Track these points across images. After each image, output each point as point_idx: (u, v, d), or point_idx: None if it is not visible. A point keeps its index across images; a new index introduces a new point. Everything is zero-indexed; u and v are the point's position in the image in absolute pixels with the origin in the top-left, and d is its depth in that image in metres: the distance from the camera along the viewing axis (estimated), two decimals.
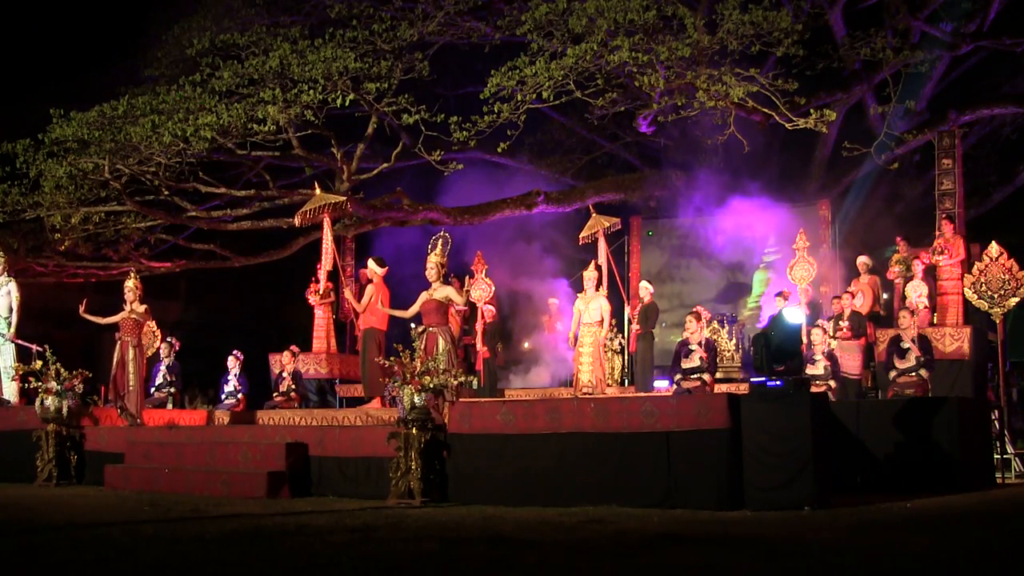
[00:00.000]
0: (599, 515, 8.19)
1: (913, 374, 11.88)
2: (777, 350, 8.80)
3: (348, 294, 13.48)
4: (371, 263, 12.81)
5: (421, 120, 14.23)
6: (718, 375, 13.28)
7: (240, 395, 14.87)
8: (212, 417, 13.91)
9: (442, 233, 11.46)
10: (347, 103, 14.28)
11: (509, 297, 18.69)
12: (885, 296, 15.59)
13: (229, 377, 15.08)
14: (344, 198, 13.75)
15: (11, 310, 14.06)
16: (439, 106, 14.51)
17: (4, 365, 13.94)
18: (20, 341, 14.02)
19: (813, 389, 9.55)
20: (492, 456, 9.68)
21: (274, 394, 14.91)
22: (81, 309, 13.31)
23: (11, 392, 13.99)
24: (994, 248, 12.75)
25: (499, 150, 14.73)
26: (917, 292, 13.96)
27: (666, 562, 6.00)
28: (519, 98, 13.64)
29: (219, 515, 8.60)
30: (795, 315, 9.38)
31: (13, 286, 14.16)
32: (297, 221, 13.47)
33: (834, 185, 17.28)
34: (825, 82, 15.89)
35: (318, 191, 13.44)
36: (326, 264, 13.49)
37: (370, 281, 12.82)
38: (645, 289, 14.48)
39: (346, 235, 17.85)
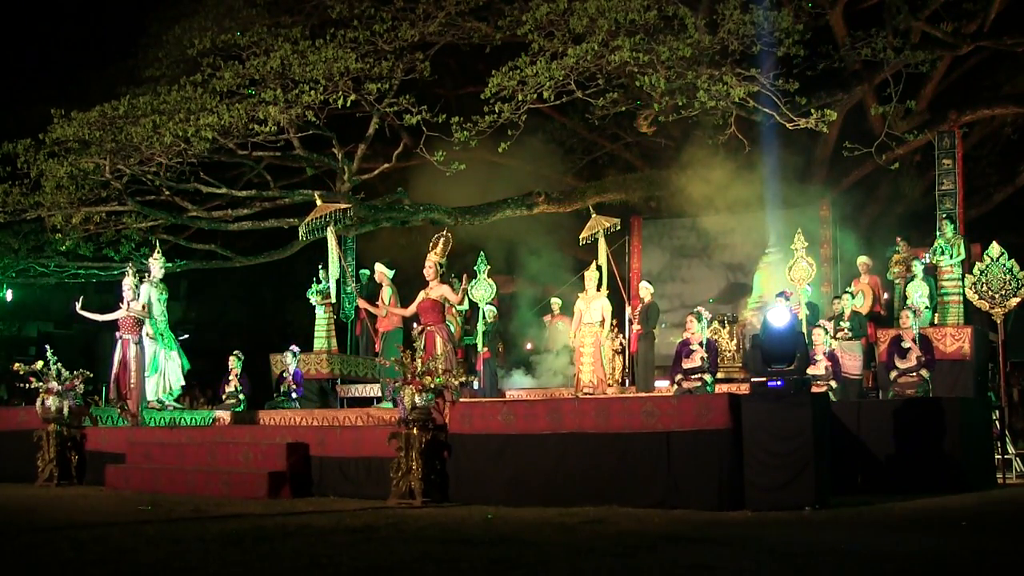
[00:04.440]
0: (599, 515, 8.20)
1: (914, 374, 11.88)
2: (768, 353, 8.79)
3: (363, 303, 13.07)
4: (380, 267, 12.79)
5: (422, 120, 14.22)
6: (719, 375, 13.28)
7: (241, 395, 14.88)
8: (213, 417, 13.92)
9: (443, 232, 11.40)
10: (348, 104, 14.27)
11: (511, 297, 18.67)
12: (886, 296, 15.59)
13: (230, 377, 15.08)
14: (348, 205, 13.53)
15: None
16: (440, 106, 14.48)
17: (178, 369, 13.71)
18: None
19: (814, 389, 9.55)
20: (493, 456, 9.69)
21: (275, 394, 14.91)
22: (77, 306, 13.28)
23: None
24: (995, 248, 12.75)
25: (500, 150, 14.72)
26: (918, 292, 13.96)
27: (666, 562, 6.00)
28: (520, 98, 13.62)
29: (220, 515, 8.62)
30: (779, 316, 9.29)
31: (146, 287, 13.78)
32: (301, 233, 13.21)
33: (835, 185, 17.29)
34: (826, 82, 15.87)
35: (319, 201, 13.13)
36: (334, 273, 13.19)
37: (380, 285, 12.82)
38: (646, 289, 14.47)
39: (347, 235, 17.84)
